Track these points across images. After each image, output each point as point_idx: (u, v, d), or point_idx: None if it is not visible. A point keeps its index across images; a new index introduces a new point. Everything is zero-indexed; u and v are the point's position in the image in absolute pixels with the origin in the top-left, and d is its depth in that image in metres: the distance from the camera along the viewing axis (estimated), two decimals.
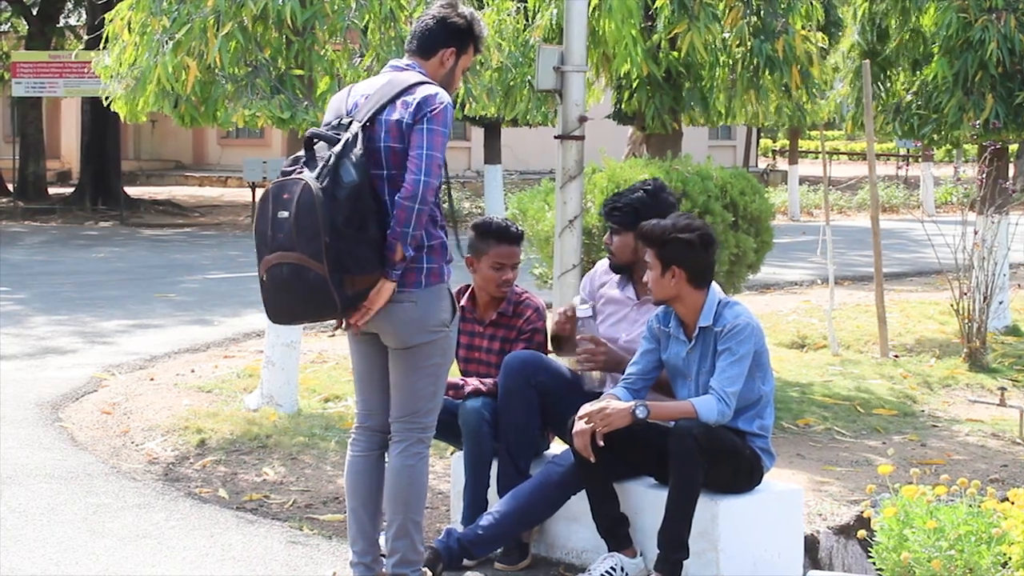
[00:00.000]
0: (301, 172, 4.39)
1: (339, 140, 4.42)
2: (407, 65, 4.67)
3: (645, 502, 5.05)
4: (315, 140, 4.48)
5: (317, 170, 4.35)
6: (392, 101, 4.51)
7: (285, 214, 4.33)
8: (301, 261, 4.30)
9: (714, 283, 5.06)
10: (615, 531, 5.03)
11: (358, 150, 4.40)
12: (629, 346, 5.24)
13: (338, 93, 4.75)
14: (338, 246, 4.29)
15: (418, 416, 4.65)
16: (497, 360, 5.51)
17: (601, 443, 4.82)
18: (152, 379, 8.90)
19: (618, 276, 5.45)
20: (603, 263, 5.55)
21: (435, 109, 4.47)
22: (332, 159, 4.36)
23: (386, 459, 4.73)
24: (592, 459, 4.85)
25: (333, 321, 4.61)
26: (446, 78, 4.71)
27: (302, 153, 4.48)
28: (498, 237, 5.48)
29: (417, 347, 4.57)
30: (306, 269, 4.30)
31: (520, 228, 5.58)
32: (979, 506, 4.55)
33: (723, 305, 4.96)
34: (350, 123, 4.49)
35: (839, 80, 11.80)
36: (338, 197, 4.31)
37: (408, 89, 4.53)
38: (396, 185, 4.47)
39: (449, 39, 4.69)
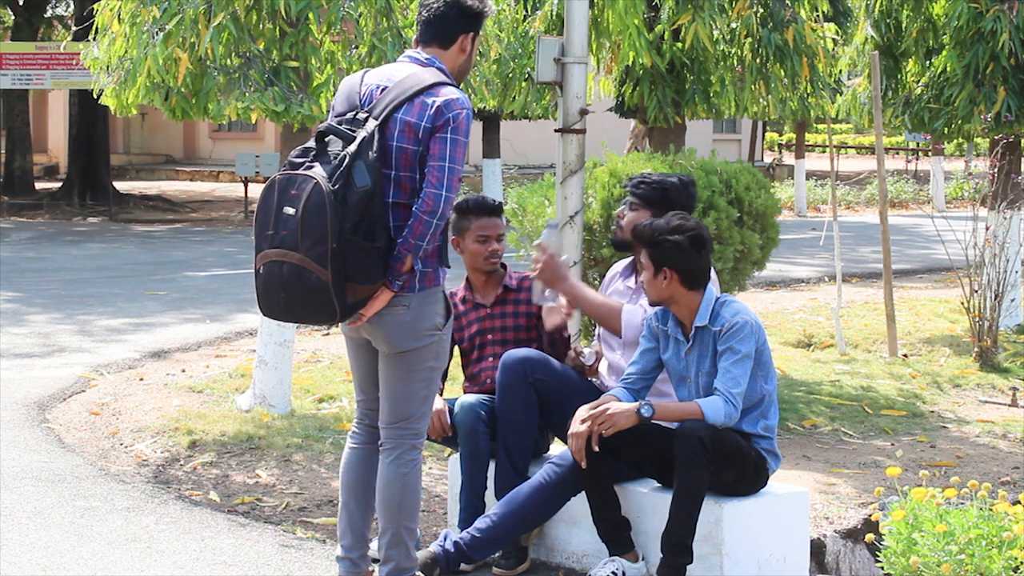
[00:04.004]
0: (312, 167, 4.22)
1: (354, 138, 4.26)
2: (427, 59, 4.48)
3: (647, 505, 5.00)
4: (328, 134, 4.30)
5: (330, 170, 4.19)
6: (411, 99, 4.34)
7: (291, 211, 4.17)
8: (303, 263, 4.16)
9: (713, 280, 4.97)
10: (616, 534, 4.97)
11: (373, 153, 4.24)
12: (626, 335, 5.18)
13: (349, 78, 4.55)
14: (344, 253, 4.15)
15: (411, 422, 4.54)
16: (514, 336, 5.49)
17: (596, 448, 4.74)
18: (141, 379, 8.80)
19: (623, 266, 5.44)
20: (620, 264, 5.52)
21: (459, 116, 4.32)
22: (347, 160, 4.20)
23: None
24: (584, 464, 4.78)
25: None
26: (464, 65, 4.56)
27: (312, 145, 4.30)
28: (477, 211, 5.49)
29: (410, 351, 4.46)
30: (308, 272, 4.17)
31: (498, 200, 5.60)
32: (990, 509, 4.55)
33: (720, 304, 4.89)
34: (366, 119, 4.32)
35: (857, 74, 11.67)
36: (349, 201, 4.16)
37: (429, 89, 4.35)
38: (402, 188, 4.34)
39: (467, 24, 4.51)
